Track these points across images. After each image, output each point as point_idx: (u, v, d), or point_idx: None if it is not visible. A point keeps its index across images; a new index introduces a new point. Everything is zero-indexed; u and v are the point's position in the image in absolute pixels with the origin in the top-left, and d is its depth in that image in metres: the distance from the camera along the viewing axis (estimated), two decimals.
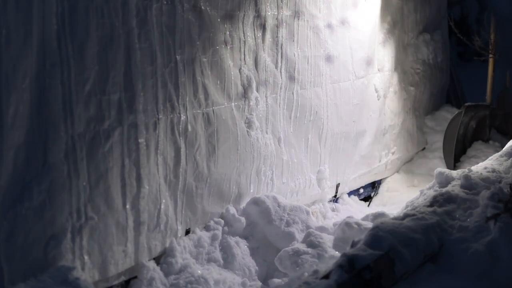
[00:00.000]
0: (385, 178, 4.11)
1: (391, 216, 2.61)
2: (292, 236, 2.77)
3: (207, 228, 2.63)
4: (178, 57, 2.43)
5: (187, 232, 2.55)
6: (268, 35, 2.96)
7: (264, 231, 2.78)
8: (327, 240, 2.67)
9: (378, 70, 3.93)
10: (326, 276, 1.99)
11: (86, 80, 2.05)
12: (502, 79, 4.46)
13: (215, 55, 2.63)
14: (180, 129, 2.46)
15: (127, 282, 2.32)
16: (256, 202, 2.83)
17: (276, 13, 2.99)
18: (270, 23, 2.97)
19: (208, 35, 2.58)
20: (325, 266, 2.20)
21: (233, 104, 2.76)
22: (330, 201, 3.56)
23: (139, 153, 2.27)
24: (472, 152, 4.23)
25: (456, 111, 4.40)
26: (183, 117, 2.47)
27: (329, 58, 3.44)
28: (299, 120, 3.22)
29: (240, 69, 2.80)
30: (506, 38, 4.58)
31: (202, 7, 2.54)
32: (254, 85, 2.88)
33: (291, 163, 3.18)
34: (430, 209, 2.35)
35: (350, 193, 3.76)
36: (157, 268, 2.36)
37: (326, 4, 3.39)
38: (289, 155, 3.16)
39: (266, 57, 2.96)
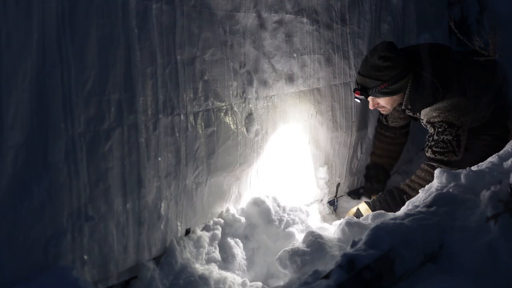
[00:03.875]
0: None
1: (391, 216, 2.61)
2: (292, 236, 2.77)
3: (207, 228, 2.64)
4: (178, 57, 2.43)
5: (187, 232, 2.55)
6: (268, 35, 2.96)
7: (264, 231, 2.78)
8: (327, 240, 2.66)
9: None
10: (326, 276, 1.99)
11: (86, 80, 2.05)
12: None
13: (215, 55, 2.63)
14: (180, 129, 2.46)
15: (127, 282, 2.32)
16: (256, 202, 2.83)
17: (276, 13, 2.99)
18: (270, 23, 2.97)
19: (208, 35, 2.59)
20: (325, 266, 2.20)
21: (233, 104, 2.76)
22: (330, 201, 3.56)
23: (139, 153, 2.28)
24: None
25: None
26: (183, 117, 2.47)
27: (329, 58, 3.44)
28: (298, 120, 3.22)
29: (240, 69, 2.80)
30: (506, 38, 4.58)
31: (202, 7, 2.54)
32: (254, 85, 2.88)
33: (291, 163, 3.18)
34: (430, 209, 2.35)
35: (350, 193, 3.76)
36: (157, 268, 2.36)
37: (327, 5, 3.39)
38: (289, 155, 3.17)
39: (266, 57, 2.96)
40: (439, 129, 3.08)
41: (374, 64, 3.03)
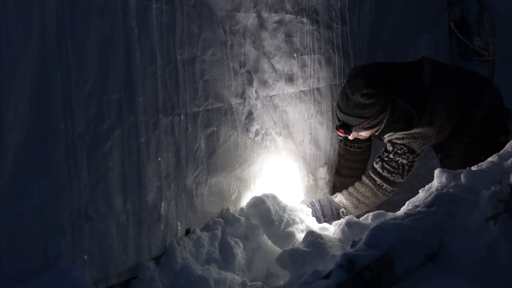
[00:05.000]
0: None
1: (391, 216, 2.61)
2: (292, 236, 2.77)
3: (207, 228, 2.64)
4: (178, 57, 2.43)
5: (187, 232, 2.55)
6: (268, 35, 2.96)
7: (264, 231, 2.78)
8: (327, 240, 2.67)
9: None
10: (326, 276, 1.99)
11: (86, 80, 2.05)
12: (503, 79, 4.47)
13: (215, 55, 2.63)
14: (180, 129, 2.46)
15: (127, 282, 2.32)
16: (256, 202, 2.83)
17: (276, 13, 3.00)
18: (270, 23, 2.97)
19: (208, 35, 2.59)
20: (325, 266, 2.20)
21: (233, 104, 2.76)
22: None
23: (139, 153, 2.28)
24: None
25: None
26: (183, 117, 2.47)
27: (329, 58, 3.44)
28: (298, 120, 3.22)
29: (240, 69, 2.80)
30: (506, 38, 4.59)
31: (202, 7, 2.54)
32: (254, 85, 2.88)
33: (291, 163, 3.18)
34: (430, 209, 2.35)
35: None
36: (157, 268, 2.36)
37: (327, 5, 3.39)
38: (288, 155, 3.17)
39: (266, 57, 2.96)
40: (398, 151, 3.04)
41: (357, 102, 2.92)
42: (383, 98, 2.95)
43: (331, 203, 3.18)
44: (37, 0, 1.89)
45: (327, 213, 3.14)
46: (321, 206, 3.16)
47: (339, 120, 3.04)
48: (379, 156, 3.13)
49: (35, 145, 1.91)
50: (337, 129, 3.05)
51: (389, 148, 3.09)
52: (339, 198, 3.18)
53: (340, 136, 3.09)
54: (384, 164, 3.07)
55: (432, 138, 3.12)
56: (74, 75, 2.01)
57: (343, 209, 3.15)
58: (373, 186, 3.10)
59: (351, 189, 3.18)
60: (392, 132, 3.07)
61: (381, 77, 3.06)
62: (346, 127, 3.01)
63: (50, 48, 1.93)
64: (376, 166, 3.11)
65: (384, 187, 3.06)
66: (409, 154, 3.04)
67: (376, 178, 3.09)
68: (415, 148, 3.04)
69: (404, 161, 3.04)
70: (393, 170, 3.06)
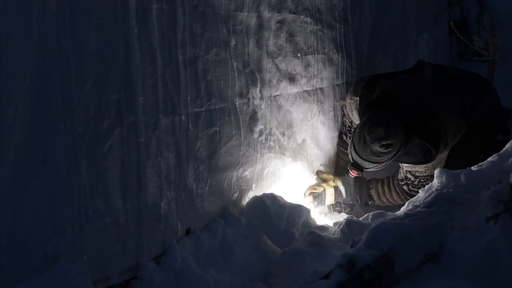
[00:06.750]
0: None
1: (391, 216, 2.61)
2: (292, 236, 2.77)
3: (207, 228, 2.63)
4: (180, 57, 2.43)
5: (187, 232, 2.55)
6: (271, 35, 2.96)
7: (264, 231, 2.78)
8: (327, 240, 2.67)
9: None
10: (326, 276, 1.99)
11: (86, 80, 2.05)
12: (503, 79, 4.47)
13: (217, 54, 2.63)
14: (181, 129, 2.46)
15: (127, 282, 2.32)
16: (256, 202, 2.83)
17: (279, 13, 3.00)
18: (273, 22, 2.97)
19: (211, 35, 2.58)
20: (325, 266, 2.20)
21: (236, 104, 2.76)
22: None
23: (139, 153, 2.28)
24: None
25: None
26: (184, 117, 2.47)
27: (332, 58, 3.44)
28: (302, 120, 3.22)
29: (243, 69, 2.80)
30: (506, 38, 4.59)
31: (205, 7, 2.54)
32: (257, 85, 2.88)
33: (293, 163, 3.18)
34: (430, 209, 2.35)
35: None
36: (157, 268, 2.36)
37: (330, 4, 3.39)
38: (291, 155, 3.17)
39: (270, 57, 2.96)
40: (421, 179, 3.15)
41: (376, 151, 2.92)
42: (400, 143, 2.96)
43: (362, 191, 3.31)
44: (37, 0, 1.89)
45: (354, 197, 3.30)
46: (353, 188, 3.30)
47: (353, 159, 3.05)
48: (403, 180, 3.21)
49: (35, 145, 1.91)
50: (350, 169, 3.07)
51: (411, 177, 3.19)
52: (373, 192, 3.32)
53: (352, 175, 3.14)
54: (410, 187, 3.20)
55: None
56: (74, 75, 2.01)
57: (372, 202, 3.32)
58: (404, 199, 3.21)
59: (386, 187, 3.29)
60: (412, 164, 3.13)
61: (390, 104, 3.05)
62: (359, 168, 3.05)
63: (50, 48, 1.93)
64: (404, 187, 3.22)
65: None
66: (431, 178, 3.10)
67: (407, 196, 3.20)
68: (435, 172, 3.09)
69: (428, 182, 3.13)
70: (418, 189, 3.12)
